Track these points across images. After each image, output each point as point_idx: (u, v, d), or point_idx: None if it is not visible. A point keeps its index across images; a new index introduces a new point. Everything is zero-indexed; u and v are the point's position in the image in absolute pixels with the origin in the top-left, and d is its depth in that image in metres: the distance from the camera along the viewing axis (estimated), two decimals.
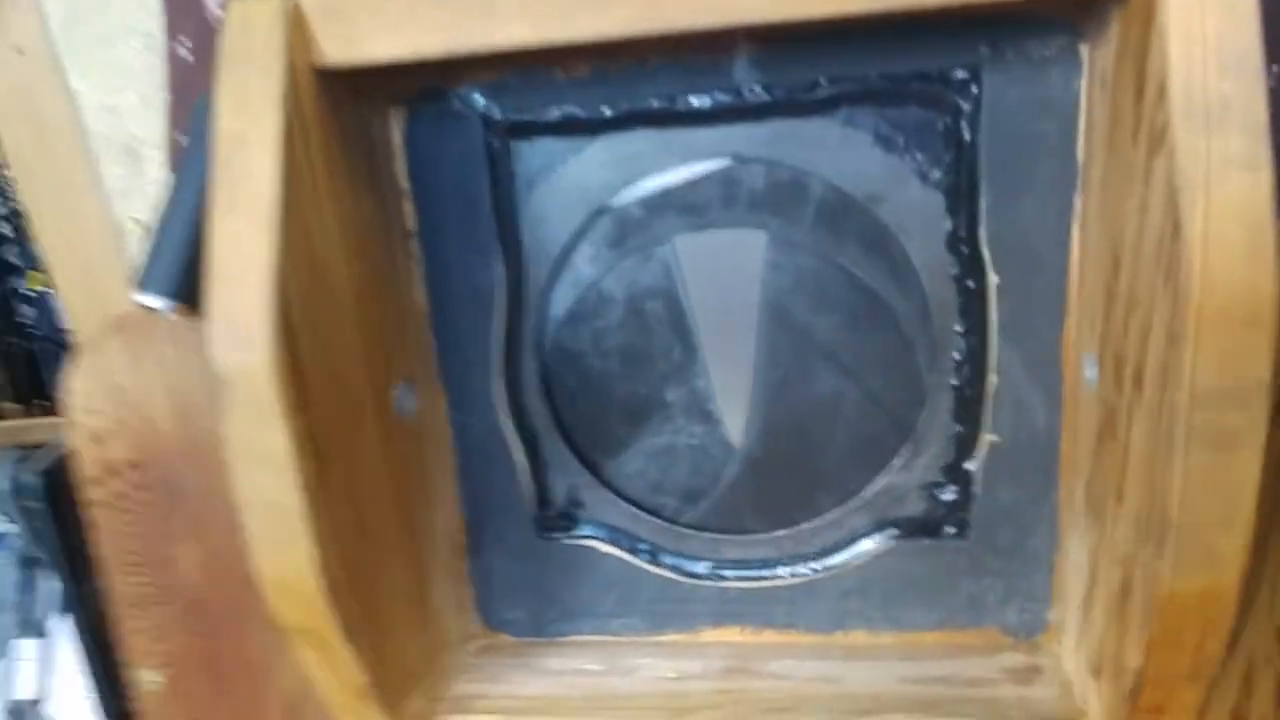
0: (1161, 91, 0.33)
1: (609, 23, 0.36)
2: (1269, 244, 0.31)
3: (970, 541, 0.46)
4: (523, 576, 0.51)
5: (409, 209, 0.45)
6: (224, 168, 0.36)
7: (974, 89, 0.40)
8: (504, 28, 0.36)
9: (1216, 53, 0.32)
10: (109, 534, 0.49)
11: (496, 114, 0.43)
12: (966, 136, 0.41)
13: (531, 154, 0.44)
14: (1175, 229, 0.33)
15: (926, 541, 0.47)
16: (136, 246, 0.47)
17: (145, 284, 0.39)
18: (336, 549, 0.39)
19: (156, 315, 0.41)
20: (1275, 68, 0.45)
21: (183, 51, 0.47)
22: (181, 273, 0.39)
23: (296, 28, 0.37)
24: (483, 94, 0.43)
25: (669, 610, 0.50)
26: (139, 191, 0.48)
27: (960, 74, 0.40)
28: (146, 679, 0.51)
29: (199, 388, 0.45)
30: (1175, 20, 0.33)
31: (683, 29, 0.36)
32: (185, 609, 0.48)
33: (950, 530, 0.46)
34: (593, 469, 0.49)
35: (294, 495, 0.36)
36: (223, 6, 0.48)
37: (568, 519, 0.50)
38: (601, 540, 0.50)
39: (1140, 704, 0.38)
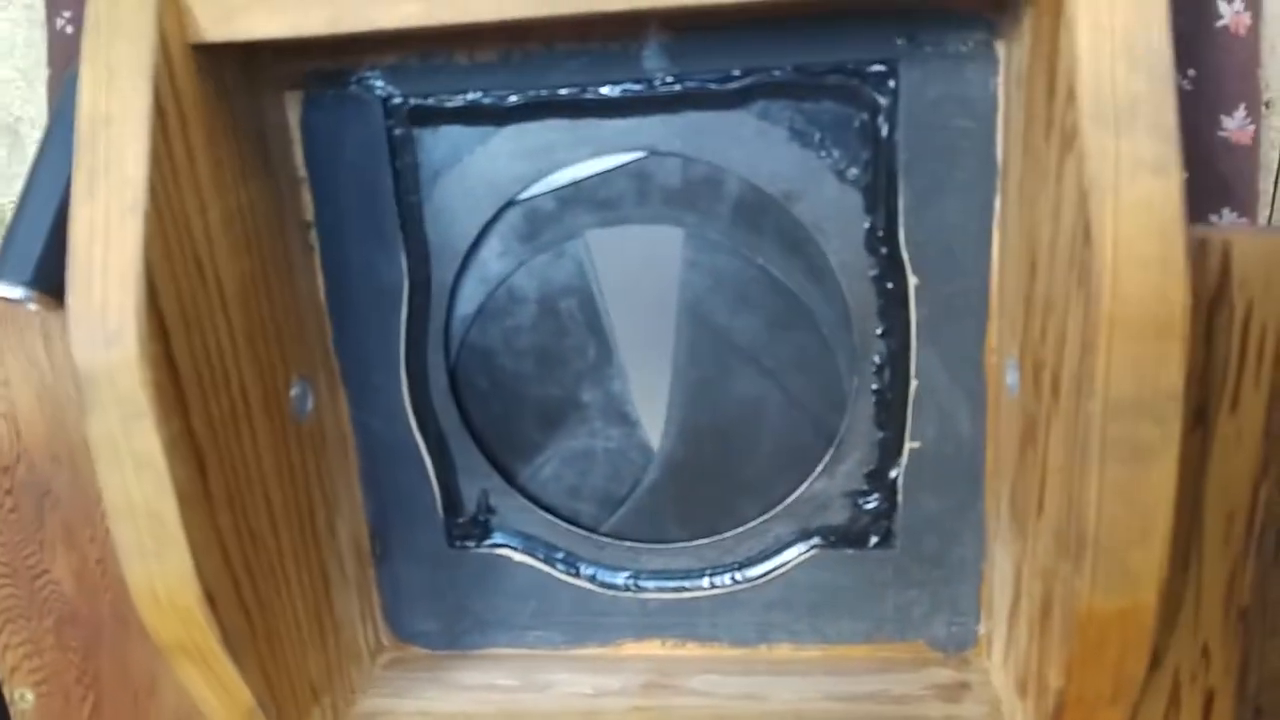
0: (1071, 90, 0.32)
1: (508, 4, 0.35)
2: (1180, 250, 0.30)
3: (895, 551, 0.46)
4: (433, 586, 0.50)
5: (307, 198, 0.44)
6: (87, 149, 0.34)
7: (891, 84, 0.40)
8: (392, 7, 0.35)
9: (1125, 49, 0.31)
10: None
11: (397, 99, 0.42)
12: (884, 133, 0.40)
13: (436, 142, 0.43)
14: (1086, 233, 0.32)
15: (851, 551, 0.46)
16: None
17: (1, 273, 0.37)
18: (217, 558, 0.37)
19: (20, 307, 0.39)
20: (1191, 72, 0.45)
21: (63, 24, 0.45)
22: (43, 260, 0.37)
23: (169, 3, 0.35)
24: (382, 77, 0.42)
25: (587, 622, 0.49)
26: (20, 176, 0.46)
27: (877, 68, 0.40)
28: (19, 697, 0.49)
29: (70, 386, 0.43)
30: (1083, 15, 0.32)
31: (585, 11, 0.35)
32: (59, 622, 0.46)
33: (875, 539, 0.46)
34: (505, 474, 0.48)
35: (168, 501, 0.35)
36: None
37: (479, 526, 0.49)
38: (515, 549, 0.49)
39: None
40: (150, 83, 0.34)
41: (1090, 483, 0.32)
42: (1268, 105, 0.47)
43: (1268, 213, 0.49)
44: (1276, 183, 0.49)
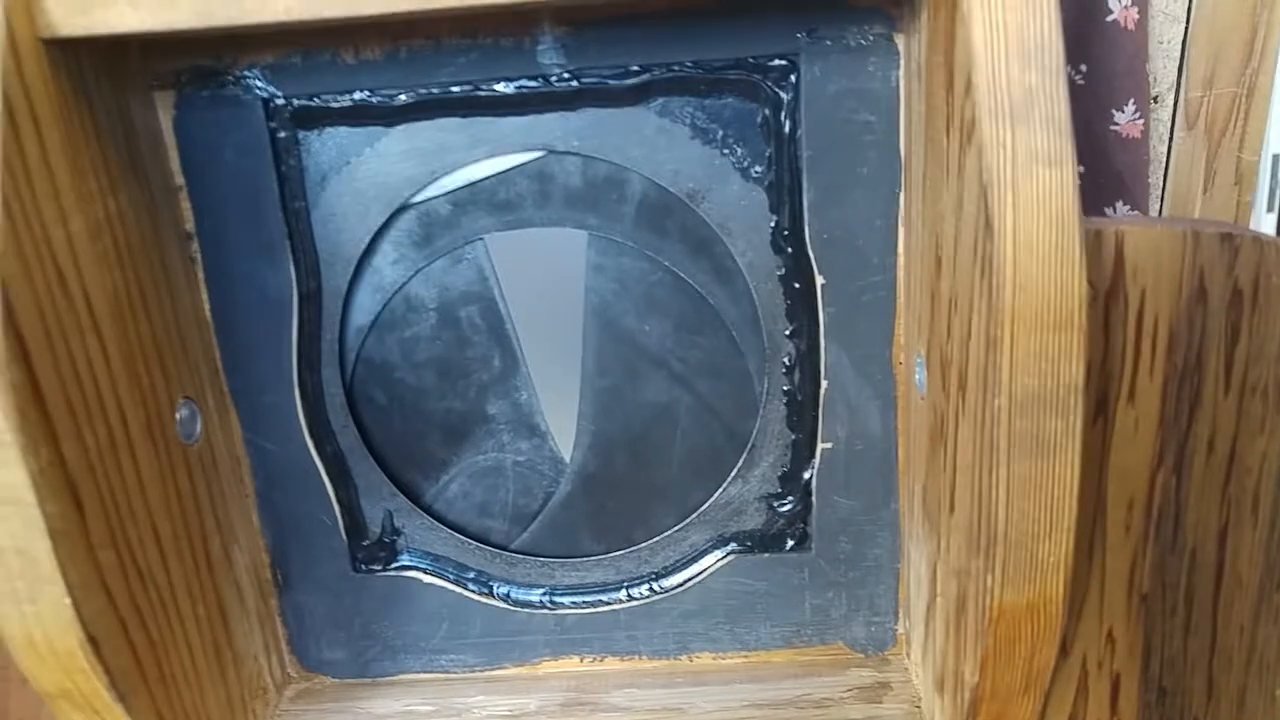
0: (968, 84, 0.34)
1: None
2: (1076, 241, 0.32)
3: (812, 554, 0.47)
4: (340, 613, 0.50)
5: (186, 207, 0.43)
6: None
7: (792, 78, 0.41)
8: (263, 2, 0.35)
9: (1018, 44, 0.33)
10: None
11: (279, 99, 0.42)
12: (786, 129, 0.41)
13: (322, 145, 0.43)
14: (988, 225, 0.34)
15: (767, 555, 0.47)
16: None
17: None
18: (99, 598, 0.37)
19: None
20: (1083, 67, 0.48)
21: None
22: None
23: None
24: (262, 77, 0.41)
25: (503, 642, 0.50)
26: None
27: (777, 62, 0.41)
28: None
29: None
30: (977, 11, 0.34)
31: (474, 5, 0.35)
32: None
33: (791, 542, 0.47)
34: (410, 493, 0.48)
35: (39, 541, 0.34)
36: None
37: (385, 549, 0.49)
38: (424, 571, 0.49)
39: (979, 718, 0.40)
40: None
41: (997, 478, 0.34)
42: (1156, 99, 0.50)
43: (1158, 205, 0.52)
44: (1165, 175, 0.52)
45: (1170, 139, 0.52)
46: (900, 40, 0.41)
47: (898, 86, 0.41)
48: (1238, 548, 0.40)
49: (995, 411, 0.34)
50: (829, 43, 0.41)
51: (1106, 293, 0.38)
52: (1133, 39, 0.47)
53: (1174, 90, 0.51)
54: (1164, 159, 0.52)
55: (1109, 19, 0.47)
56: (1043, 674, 0.38)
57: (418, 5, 0.35)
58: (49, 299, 0.35)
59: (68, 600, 0.35)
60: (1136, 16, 0.46)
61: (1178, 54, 0.50)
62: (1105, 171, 0.48)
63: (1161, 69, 0.51)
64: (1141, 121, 0.48)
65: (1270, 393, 0.38)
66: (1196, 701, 0.45)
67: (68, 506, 0.35)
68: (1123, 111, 0.48)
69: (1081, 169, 0.50)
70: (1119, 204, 0.49)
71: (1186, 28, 0.50)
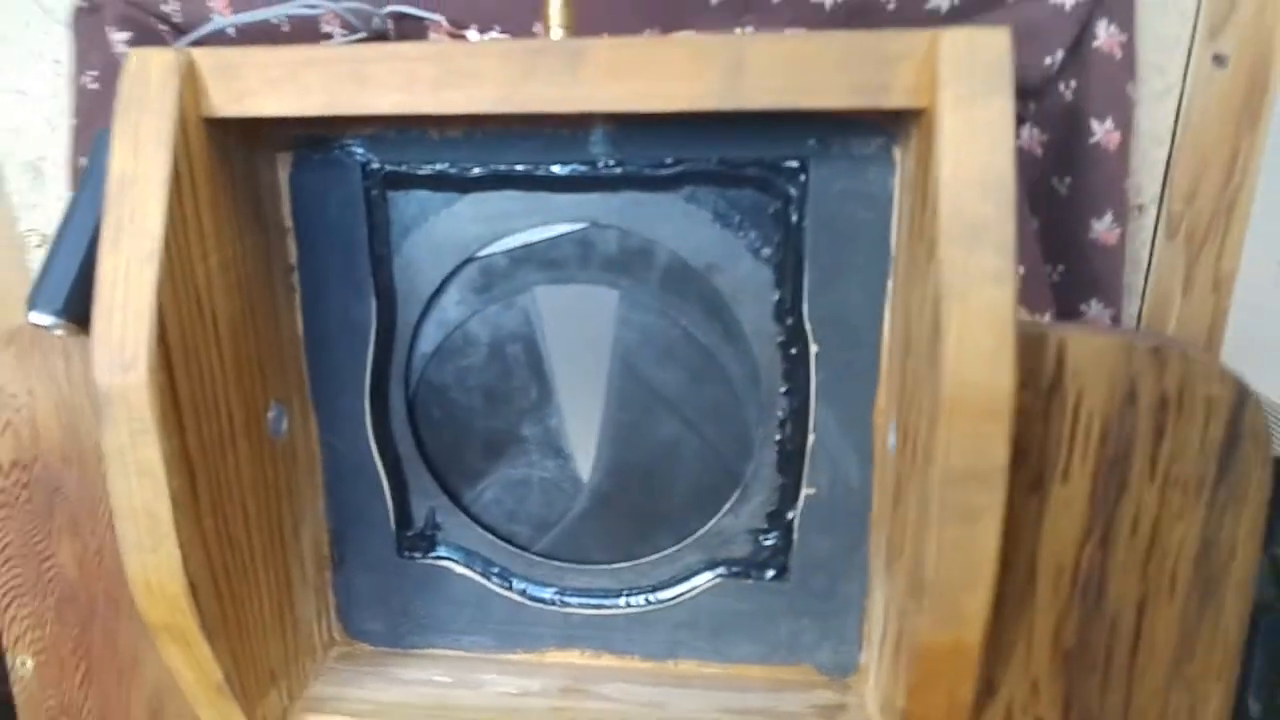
0: (935, 208, 0.42)
1: (472, 100, 0.45)
2: (1010, 348, 0.40)
3: (789, 584, 0.55)
4: (383, 591, 0.60)
5: (292, 245, 0.54)
6: (115, 205, 0.44)
7: (802, 178, 0.49)
8: (377, 95, 0.45)
9: (979, 180, 0.41)
10: None
11: (375, 164, 0.52)
12: (794, 219, 0.50)
13: (406, 203, 0.53)
14: (937, 328, 0.42)
15: (750, 581, 0.56)
16: (36, 259, 0.55)
17: (35, 302, 0.46)
18: (200, 555, 0.47)
19: (47, 332, 0.49)
20: (1067, 180, 0.55)
21: (89, 82, 0.55)
22: (71, 294, 0.47)
23: (189, 80, 0.45)
24: (363, 146, 0.52)
25: (517, 631, 0.59)
26: (41, 207, 0.56)
27: (790, 164, 0.49)
28: (20, 664, 0.59)
29: (84, 400, 0.53)
30: (947, 150, 0.42)
31: (535, 111, 0.45)
32: (59, 601, 0.55)
33: (772, 572, 0.56)
34: (452, 495, 0.58)
35: (163, 505, 0.45)
36: (129, 42, 0.57)
37: (426, 540, 0.58)
38: (457, 562, 0.58)
39: None
40: (170, 151, 0.44)
41: (930, 537, 0.42)
42: (1140, 209, 0.57)
43: (1138, 304, 0.59)
44: (1147, 280, 0.59)
45: (1153, 247, 0.59)
46: (898, 153, 0.49)
47: (893, 192, 0.49)
48: (1155, 620, 0.47)
49: (932, 481, 0.42)
50: (835, 150, 0.49)
51: (1048, 388, 0.45)
52: (1113, 158, 0.54)
53: (1158, 202, 0.58)
54: (1146, 265, 0.59)
55: (1092, 140, 0.54)
56: (962, 707, 0.46)
57: (493, 108, 0.45)
58: (189, 320, 0.45)
59: (178, 553, 0.45)
60: (1119, 139, 0.54)
61: (1162, 170, 0.57)
62: (1082, 273, 0.56)
63: (1147, 182, 0.58)
64: (1118, 231, 0.55)
65: (1190, 487, 0.45)
66: None
67: (185, 481, 0.46)
68: (1100, 221, 0.55)
69: (1061, 268, 0.57)
70: (1093, 301, 0.56)
71: (1171, 148, 0.57)
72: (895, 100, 0.42)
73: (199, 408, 0.46)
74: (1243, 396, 0.44)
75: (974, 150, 0.42)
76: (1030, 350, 0.44)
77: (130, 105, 0.45)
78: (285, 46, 0.46)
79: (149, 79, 0.45)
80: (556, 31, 0.47)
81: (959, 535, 0.42)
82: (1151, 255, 0.59)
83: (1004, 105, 0.40)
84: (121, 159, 0.44)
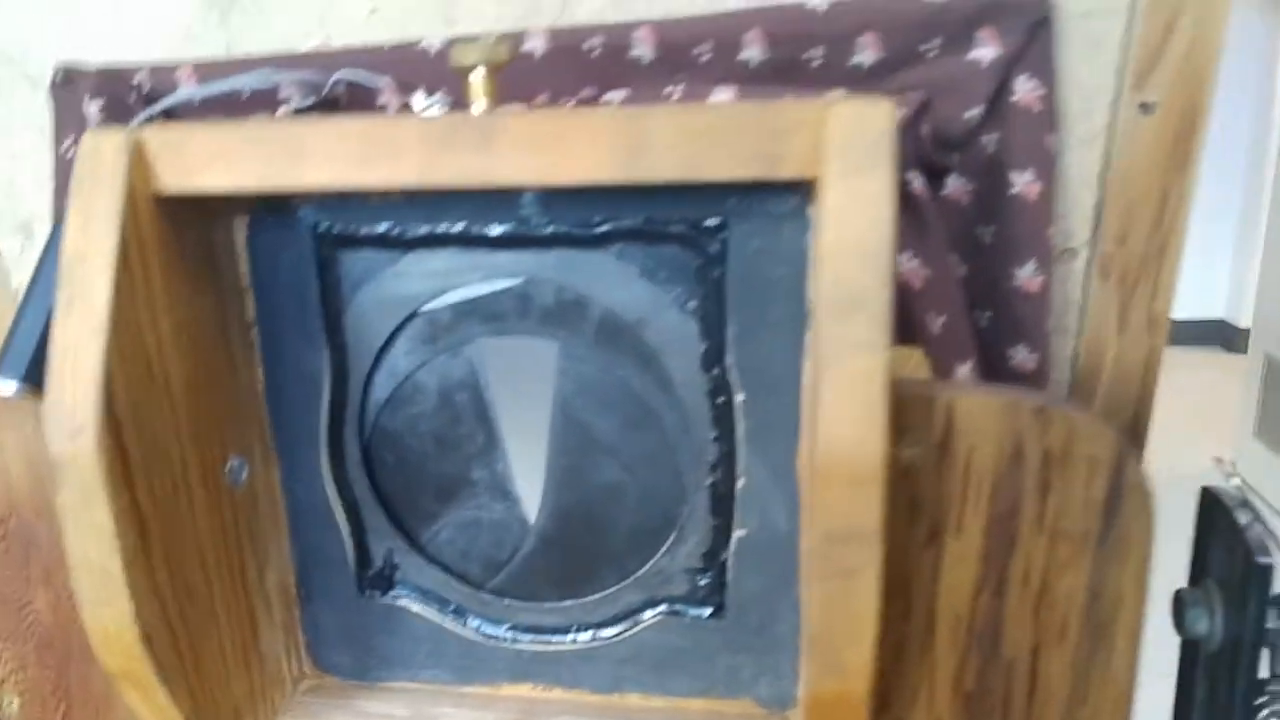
0: (817, 275, 0.44)
1: (401, 174, 0.47)
2: (881, 414, 0.41)
3: (726, 621, 0.57)
4: (347, 627, 0.62)
5: (250, 303, 0.56)
6: (66, 281, 0.46)
7: (723, 236, 0.51)
8: (310, 171, 0.47)
9: (857, 250, 0.42)
10: None
11: (323, 227, 0.54)
12: (715, 275, 0.51)
13: (354, 262, 0.55)
14: (814, 393, 0.43)
15: (689, 619, 0.57)
16: None
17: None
18: (154, 606, 0.49)
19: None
20: (991, 229, 0.56)
21: (67, 149, 0.58)
22: (32, 362, 0.50)
23: (139, 159, 0.48)
24: (312, 210, 0.54)
25: (472, 665, 0.61)
26: (31, 264, 0.59)
27: (712, 222, 0.51)
28: (7, 703, 0.62)
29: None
30: (829, 218, 0.43)
31: (454, 184, 0.47)
32: (39, 645, 0.58)
33: (709, 610, 0.57)
34: (407, 536, 0.60)
35: (115, 561, 0.47)
36: (102, 111, 0.60)
37: (385, 580, 0.60)
38: (414, 600, 0.60)
39: None
40: (119, 228, 0.47)
41: (812, 592, 0.43)
42: (1072, 253, 0.58)
43: (1074, 345, 0.60)
44: (1081, 321, 0.59)
45: (1086, 289, 0.59)
46: (811, 213, 0.50)
47: (807, 249, 0.51)
48: (1048, 664, 0.48)
49: (813, 539, 0.43)
50: (754, 210, 0.51)
51: (939, 445, 0.46)
52: (1034, 208, 0.55)
53: (1089, 246, 0.59)
54: (1080, 306, 0.60)
55: (1012, 191, 0.55)
56: None
57: (415, 181, 0.47)
58: (139, 384, 0.48)
59: (130, 606, 0.48)
60: (1039, 189, 0.54)
61: (1092, 215, 0.58)
62: (1006, 319, 0.56)
63: (1078, 226, 0.58)
64: (1040, 279, 0.55)
65: (1077, 539, 0.46)
66: None
67: (137, 537, 0.48)
68: (1023, 269, 0.56)
69: (989, 314, 0.58)
70: (1020, 347, 0.57)
71: (1101, 193, 0.58)
72: (788, 171, 0.43)
73: (151, 465, 0.49)
74: (1124, 455, 0.44)
75: (854, 222, 0.43)
76: (920, 410, 0.45)
77: (83, 184, 0.48)
78: (227, 125, 0.48)
79: (101, 159, 0.48)
80: (479, 103, 0.49)
81: (838, 591, 0.43)
82: (1085, 297, 0.59)
83: (884, 179, 0.41)
84: (73, 236, 0.47)
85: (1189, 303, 3.24)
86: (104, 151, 0.48)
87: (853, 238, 0.42)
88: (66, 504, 0.46)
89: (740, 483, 0.54)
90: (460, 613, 0.60)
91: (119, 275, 0.46)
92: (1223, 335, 3.24)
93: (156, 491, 0.49)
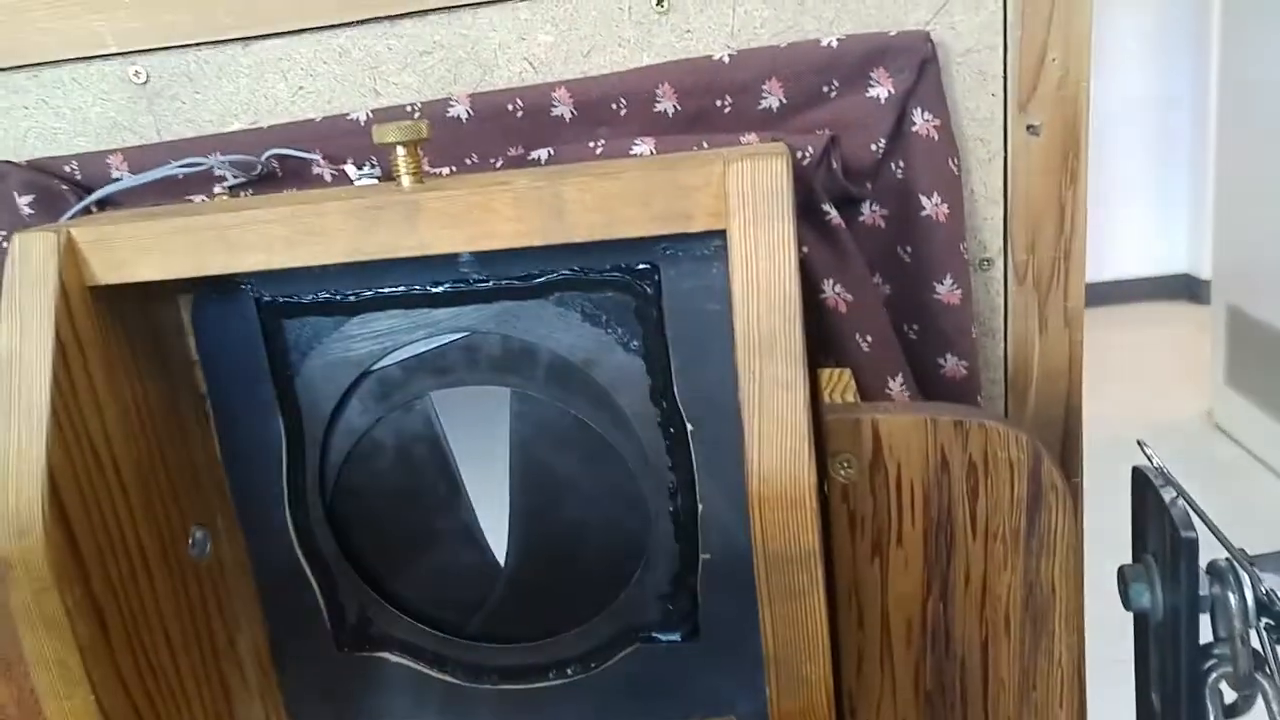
0: (731, 320, 0.44)
1: (324, 253, 0.46)
2: (805, 444, 0.42)
3: (700, 644, 0.56)
4: (327, 685, 0.60)
5: (200, 377, 0.55)
6: (4, 383, 0.45)
7: (655, 278, 0.50)
8: (239, 257, 0.46)
9: (766, 295, 0.42)
10: None
11: (267, 298, 0.53)
12: (654, 314, 0.51)
13: (301, 328, 0.54)
14: (747, 427, 0.43)
15: (665, 645, 0.56)
16: None
17: None
18: (118, 693, 0.48)
19: None
20: (909, 249, 0.56)
21: (4, 243, 0.57)
22: None
23: (69, 255, 0.46)
24: (254, 283, 0.53)
25: (456, 711, 0.60)
26: None
27: (644, 267, 0.50)
28: None
29: None
30: (737, 266, 0.43)
31: (383, 259, 0.46)
32: None
33: (683, 634, 0.56)
34: (379, 590, 0.58)
35: (72, 655, 0.45)
36: (33, 205, 0.58)
37: (361, 634, 0.59)
38: (392, 652, 0.59)
39: None
40: (53, 325, 0.45)
41: (765, 616, 0.43)
42: (989, 262, 0.59)
43: (1003, 345, 0.61)
44: (1006, 322, 0.60)
45: (1005, 293, 0.60)
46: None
47: (732, 285, 0.50)
48: (998, 657, 0.48)
49: (759, 564, 0.43)
50: (681, 254, 0.50)
51: (870, 464, 0.46)
52: (945, 227, 0.55)
53: (1003, 254, 0.60)
54: (1003, 310, 0.61)
55: (924, 213, 0.56)
56: None
57: (344, 259, 0.46)
58: (85, 474, 0.46)
59: (92, 698, 0.46)
60: (947, 210, 0.55)
61: (1001, 227, 0.59)
62: (933, 331, 0.57)
63: (990, 237, 0.59)
64: (959, 291, 0.56)
65: (1008, 538, 0.46)
66: None
67: (95, 627, 0.46)
68: (942, 284, 0.56)
69: (916, 327, 0.59)
70: (949, 355, 0.57)
71: (1005, 207, 0.59)
72: (697, 225, 0.44)
73: (105, 553, 0.47)
74: (1039, 457, 0.45)
75: (762, 268, 0.43)
76: (848, 433, 0.45)
77: (13, 285, 0.46)
78: (157, 215, 0.47)
79: (31, 259, 0.46)
80: (405, 179, 0.48)
81: (788, 612, 0.43)
82: (1006, 302, 0.60)
83: (784, 228, 0.42)
84: (8, 336, 0.45)
85: (1152, 259, 3.24)
86: (34, 252, 0.46)
87: (763, 284, 0.43)
88: (19, 602, 0.44)
89: (700, 508, 0.54)
90: (439, 660, 0.59)
91: (57, 373, 0.45)
92: (1189, 288, 3.25)
93: (113, 578, 0.48)
